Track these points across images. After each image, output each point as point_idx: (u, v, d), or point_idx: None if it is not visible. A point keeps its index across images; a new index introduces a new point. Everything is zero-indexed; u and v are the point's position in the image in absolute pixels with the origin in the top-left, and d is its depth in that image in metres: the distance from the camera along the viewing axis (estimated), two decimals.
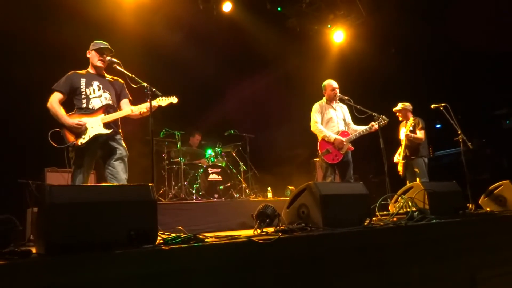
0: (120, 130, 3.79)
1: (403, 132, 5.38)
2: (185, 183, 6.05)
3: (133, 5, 6.19)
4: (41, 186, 5.06)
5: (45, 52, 5.47)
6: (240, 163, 6.70)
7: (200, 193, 5.96)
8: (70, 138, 3.56)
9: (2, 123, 5.43)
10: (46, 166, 5.21)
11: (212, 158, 6.56)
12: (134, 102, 3.87)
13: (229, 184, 6.17)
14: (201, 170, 6.17)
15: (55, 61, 5.13)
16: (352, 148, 4.76)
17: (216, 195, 5.98)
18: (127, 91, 3.91)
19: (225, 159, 6.63)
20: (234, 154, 6.79)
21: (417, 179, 5.27)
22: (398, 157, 5.34)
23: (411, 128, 5.32)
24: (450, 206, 3.32)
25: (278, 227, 2.72)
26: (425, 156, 5.39)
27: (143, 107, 3.63)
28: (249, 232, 2.66)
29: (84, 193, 2.37)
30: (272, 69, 7.86)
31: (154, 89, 3.50)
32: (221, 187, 6.12)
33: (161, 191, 6.12)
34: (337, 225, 2.71)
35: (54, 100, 3.62)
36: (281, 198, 6.19)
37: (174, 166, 6.32)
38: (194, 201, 5.64)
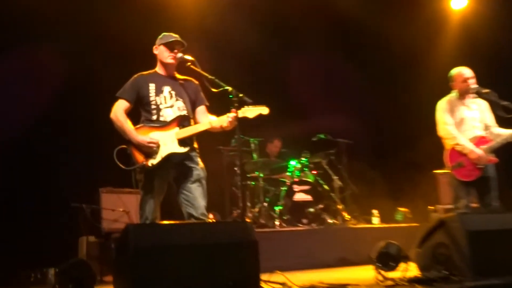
0: (195, 145, 3.87)
1: None
2: (265, 204, 6.17)
3: None
4: (95, 211, 5.48)
5: (100, 48, 5.89)
6: (334, 177, 6.67)
7: (284, 217, 6.07)
8: (139, 157, 3.69)
9: (51, 136, 5.89)
10: (101, 186, 5.60)
11: (297, 172, 6.59)
12: (211, 109, 3.98)
13: (321, 206, 6.16)
14: (284, 187, 6.26)
15: (113, 58, 5.52)
16: (496, 160, 4.51)
17: (304, 220, 6.02)
18: (203, 95, 3.99)
19: (314, 172, 6.66)
20: (325, 166, 6.78)
21: None
22: None
23: None
24: None
25: (409, 275, 2.63)
26: None
27: (225, 120, 3.65)
28: (363, 276, 2.57)
29: (171, 234, 2.49)
30: (371, 49, 7.73)
31: (241, 95, 3.54)
32: (311, 209, 6.11)
33: (234, 214, 6.36)
34: (492, 273, 2.59)
35: (119, 110, 3.77)
36: (391, 225, 6.09)
37: (249, 183, 6.46)
38: (277, 228, 5.85)
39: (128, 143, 3.70)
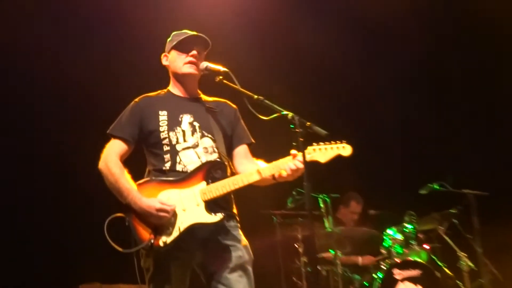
0: (234, 210, 3.88)
1: None
2: None
3: None
4: None
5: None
6: (461, 254, 6.51)
7: None
8: (144, 233, 3.65)
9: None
10: (82, 281, 5.62)
11: (398, 248, 6.53)
12: (258, 150, 3.99)
13: None
14: (379, 273, 6.23)
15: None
16: None
17: None
18: (244, 126, 4.06)
19: (426, 247, 6.59)
20: (445, 236, 6.72)
21: None
22: None
23: None
24: None
25: None
26: None
27: (284, 167, 3.63)
28: None
29: None
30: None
31: (309, 124, 3.45)
32: None
33: None
34: None
35: (112, 157, 3.80)
36: None
37: (320, 268, 6.52)
38: None
39: (127, 210, 3.69)
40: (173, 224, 3.64)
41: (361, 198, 7.47)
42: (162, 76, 4.09)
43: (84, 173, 4.03)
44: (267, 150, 3.89)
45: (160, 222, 3.62)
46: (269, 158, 3.81)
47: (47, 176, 6.85)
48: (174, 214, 3.64)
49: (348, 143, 3.64)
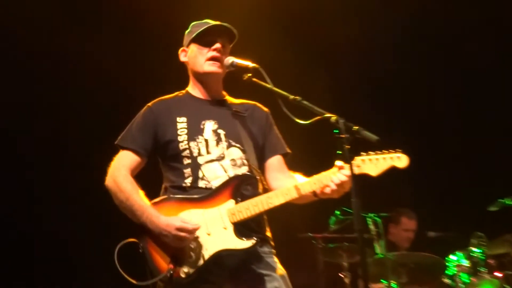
0: (268, 233, 3.89)
1: None
2: None
3: None
4: None
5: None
6: None
7: None
8: (162, 261, 3.64)
9: None
10: None
11: (463, 276, 6.47)
12: (295, 161, 3.98)
13: None
14: None
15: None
16: None
17: None
18: (278, 133, 4.08)
19: (498, 274, 6.56)
20: None
21: None
22: None
23: None
24: None
25: None
26: None
27: (326, 180, 3.62)
28: None
29: None
30: None
31: (356, 128, 3.38)
32: None
33: None
34: None
35: (122, 171, 3.82)
36: None
37: None
38: None
39: (142, 233, 3.71)
40: (196, 251, 3.63)
41: (413, 213, 7.44)
42: (178, 75, 4.12)
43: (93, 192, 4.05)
44: (305, 161, 3.94)
45: (180, 245, 3.60)
46: (308, 171, 3.80)
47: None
48: (197, 239, 3.63)
49: (403, 152, 3.61)
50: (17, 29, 6.80)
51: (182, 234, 3.56)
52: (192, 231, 3.59)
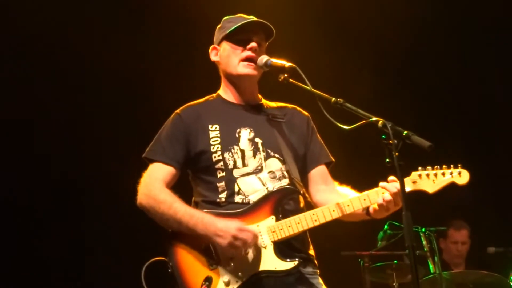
0: (311, 252, 3.78)
1: None
2: None
3: None
4: None
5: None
6: None
7: None
8: (194, 282, 3.54)
9: None
10: None
11: None
12: (340, 172, 3.89)
13: None
14: None
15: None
16: None
17: None
18: (320, 138, 3.98)
19: None
20: None
21: None
22: None
23: None
24: None
25: None
26: None
27: (377, 197, 3.52)
28: None
29: None
30: None
31: (407, 133, 3.23)
32: None
33: None
34: None
35: (154, 184, 3.69)
36: None
37: None
38: None
39: (173, 247, 3.62)
40: (232, 273, 3.53)
41: (463, 223, 7.24)
42: (210, 76, 4.00)
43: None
44: (349, 170, 3.70)
45: (230, 251, 3.50)
46: (352, 182, 3.78)
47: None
48: (233, 259, 3.53)
49: (463, 167, 3.54)
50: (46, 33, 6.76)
51: (242, 235, 3.43)
52: (253, 237, 3.48)
